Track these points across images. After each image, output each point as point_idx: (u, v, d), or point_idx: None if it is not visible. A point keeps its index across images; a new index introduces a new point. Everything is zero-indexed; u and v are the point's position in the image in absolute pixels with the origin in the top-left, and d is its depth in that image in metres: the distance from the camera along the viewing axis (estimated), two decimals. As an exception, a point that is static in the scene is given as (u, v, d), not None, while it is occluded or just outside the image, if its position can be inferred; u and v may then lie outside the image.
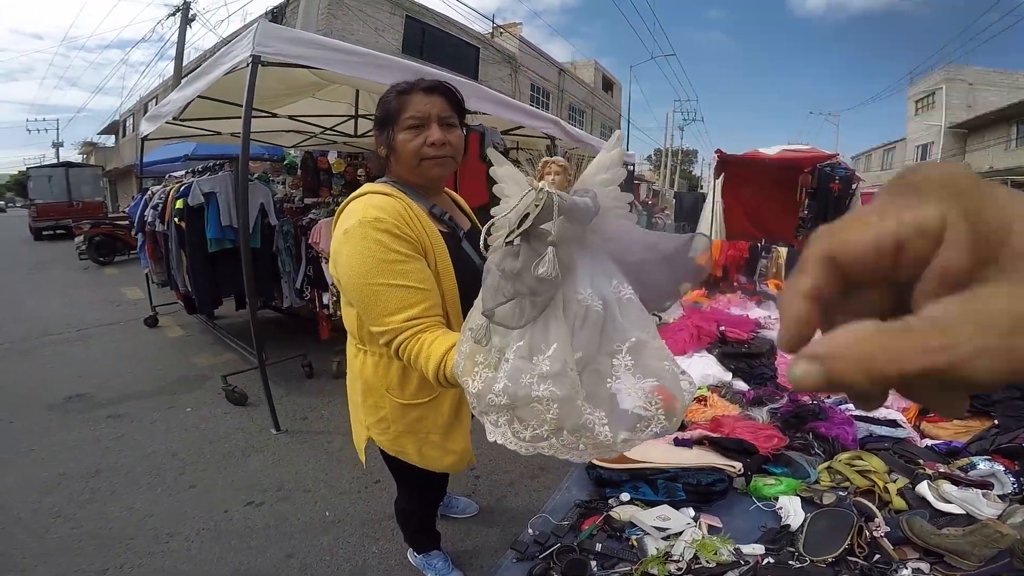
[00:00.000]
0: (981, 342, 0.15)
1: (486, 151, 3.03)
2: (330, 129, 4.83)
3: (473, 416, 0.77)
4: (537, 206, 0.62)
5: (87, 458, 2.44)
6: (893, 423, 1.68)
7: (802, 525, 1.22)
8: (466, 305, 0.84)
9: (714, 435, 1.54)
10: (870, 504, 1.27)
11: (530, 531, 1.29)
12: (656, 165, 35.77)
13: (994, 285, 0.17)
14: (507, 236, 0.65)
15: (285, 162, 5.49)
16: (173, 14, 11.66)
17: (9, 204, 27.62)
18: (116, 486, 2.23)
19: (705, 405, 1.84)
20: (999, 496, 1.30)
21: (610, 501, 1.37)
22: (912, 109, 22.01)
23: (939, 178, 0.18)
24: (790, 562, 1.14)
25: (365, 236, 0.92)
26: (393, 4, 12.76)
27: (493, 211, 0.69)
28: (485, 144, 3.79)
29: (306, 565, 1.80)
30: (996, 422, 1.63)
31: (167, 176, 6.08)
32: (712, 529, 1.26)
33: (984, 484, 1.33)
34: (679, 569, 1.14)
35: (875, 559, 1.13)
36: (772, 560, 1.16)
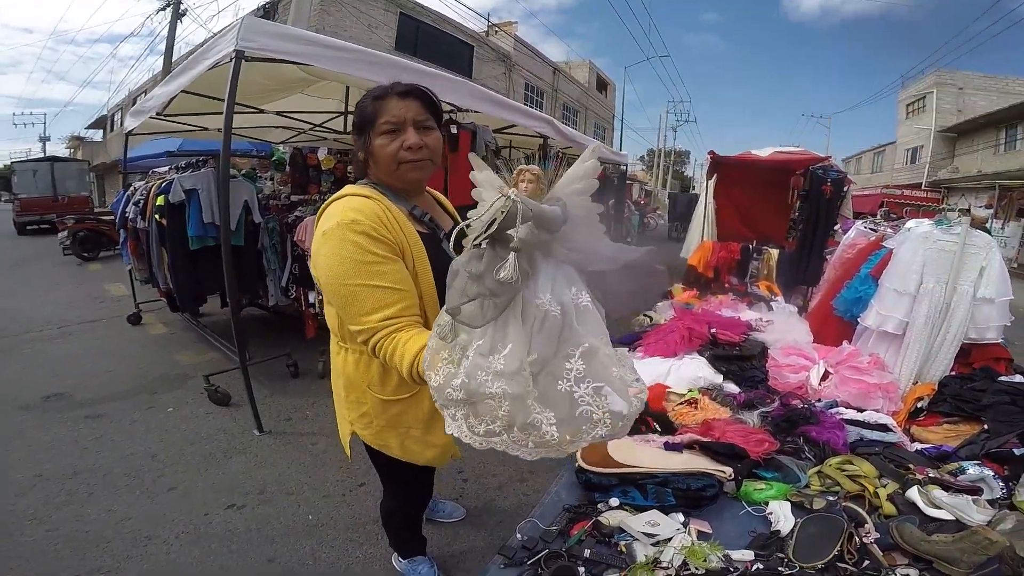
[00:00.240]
0: None
1: (475, 151, 3.00)
2: (320, 126, 4.79)
3: None
4: (503, 212, 0.64)
5: (64, 459, 2.37)
6: (884, 427, 1.68)
7: (792, 531, 1.21)
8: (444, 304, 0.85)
9: (704, 439, 1.52)
10: (860, 509, 1.27)
11: (518, 536, 1.28)
12: (649, 165, 35.98)
13: None
14: (474, 239, 0.69)
15: (273, 158, 5.43)
16: (164, 8, 11.46)
17: (-7, 199, 27.13)
18: (94, 488, 2.16)
19: (696, 408, 1.82)
20: (988, 501, 1.30)
21: (599, 506, 1.37)
22: (903, 113, 22.21)
23: None
24: (780, 568, 1.13)
25: (343, 238, 0.94)
26: (387, 1, 12.68)
27: (469, 214, 0.72)
28: (477, 142, 3.76)
29: (288, 570, 1.75)
30: (986, 427, 1.64)
31: (150, 172, 5.99)
32: (702, 535, 1.25)
33: (973, 489, 1.33)
34: (667, 576, 1.12)
35: (865, 565, 1.12)
36: (761, 566, 1.14)
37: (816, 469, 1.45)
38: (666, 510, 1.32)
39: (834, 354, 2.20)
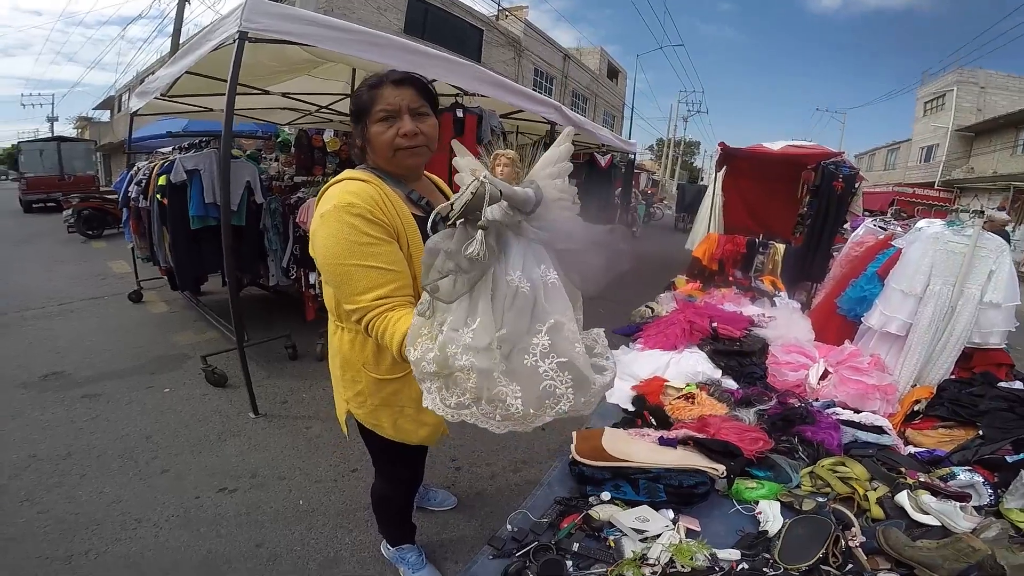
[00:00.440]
0: None
1: (480, 136, 2.94)
2: (326, 107, 4.74)
3: None
4: (473, 193, 0.68)
5: (59, 439, 2.38)
6: (879, 429, 1.67)
7: (780, 531, 1.20)
8: None
9: (699, 436, 1.51)
10: (848, 512, 1.26)
11: (509, 527, 1.27)
12: (658, 155, 35.59)
13: None
14: (449, 219, 0.73)
15: (278, 139, 5.38)
16: (172, -11, 11.32)
17: (0, 177, 27.25)
18: (87, 469, 2.17)
19: (693, 403, 1.80)
20: (976, 508, 1.29)
21: (591, 499, 1.36)
22: (921, 110, 21.74)
23: None
24: (764, 569, 1.12)
25: (339, 220, 0.97)
26: (396, -18, 12.48)
27: (452, 198, 0.75)
28: (483, 127, 3.70)
29: (276, 555, 1.75)
30: (981, 432, 1.63)
31: (154, 152, 5.97)
32: (690, 532, 1.24)
33: (962, 495, 1.32)
34: (653, 573, 1.11)
35: (848, 569, 1.12)
36: (746, 566, 1.13)
37: (808, 469, 1.43)
38: (656, 506, 1.31)
39: (835, 353, 2.17)
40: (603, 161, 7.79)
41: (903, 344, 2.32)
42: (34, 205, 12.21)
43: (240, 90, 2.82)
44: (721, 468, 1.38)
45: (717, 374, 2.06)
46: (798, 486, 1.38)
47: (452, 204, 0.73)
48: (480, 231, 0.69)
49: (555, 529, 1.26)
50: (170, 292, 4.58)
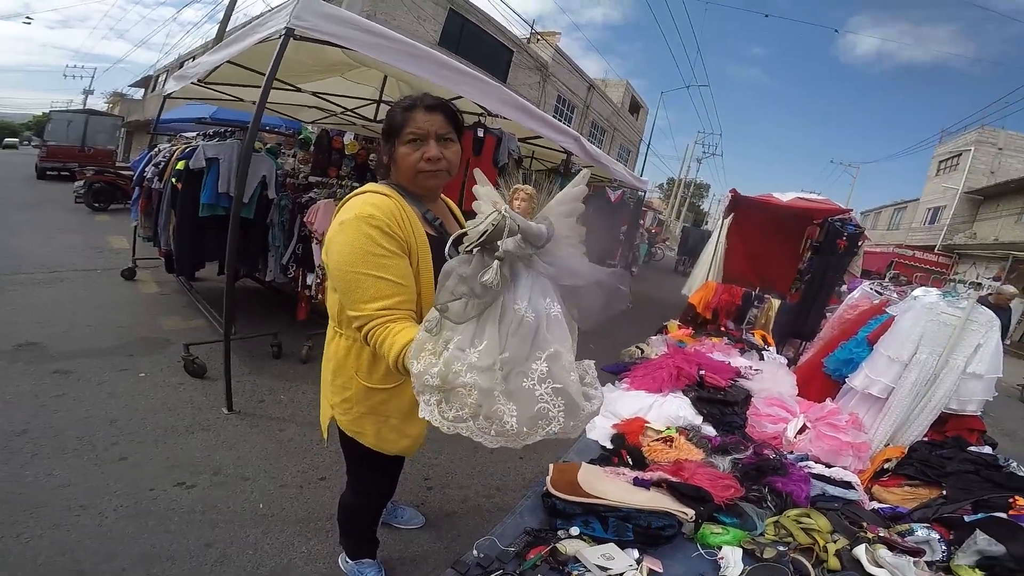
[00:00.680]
0: None
1: (497, 158, 3.03)
2: (351, 111, 4.82)
3: None
4: (494, 225, 0.73)
5: (18, 414, 2.26)
6: (848, 484, 1.69)
7: (738, 577, 1.18)
8: None
9: (673, 479, 1.51)
10: (806, 562, 1.26)
11: (475, 552, 1.25)
12: (667, 194, 36.00)
13: None
14: (467, 246, 0.78)
15: (300, 136, 5.46)
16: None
17: (24, 142, 27.57)
18: (40, 448, 2.06)
19: (671, 446, 1.80)
20: (928, 563, 1.32)
21: (559, 533, 1.35)
22: (934, 169, 21.34)
23: None
24: (719, 615, 1.10)
25: (357, 229, 1.02)
26: (440, -5, 12.85)
27: (467, 224, 0.81)
28: (500, 149, 3.77)
29: (224, 556, 1.67)
30: (944, 492, 1.65)
31: (178, 135, 6.05)
32: (653, 573, 1.24)
33: (917, 551, 1.35)
34: (611, 614, 1.09)
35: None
36: (702, 612, 1.11)
37: (774, 519, 1.44)
38: (623, 544, 1.30)
39: (815, 410, 2.17)
40: (613, 196, 7.90)
41: (883, 405, 2.34)
42: (48, 172, 12.32)
43: (274, 85, 2.86)
44: (691, 512, 1.38)
45: (698, 420, 2.06)
46: (762, 534, 1.39)
47: (471, 232, 0.77)
48: (496, 261, 0.74)
49: (521, 559, 1.24)
50: (164, 274, 4.51)
